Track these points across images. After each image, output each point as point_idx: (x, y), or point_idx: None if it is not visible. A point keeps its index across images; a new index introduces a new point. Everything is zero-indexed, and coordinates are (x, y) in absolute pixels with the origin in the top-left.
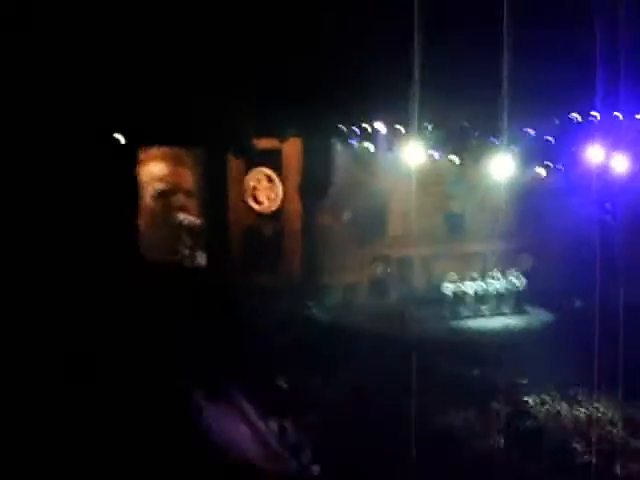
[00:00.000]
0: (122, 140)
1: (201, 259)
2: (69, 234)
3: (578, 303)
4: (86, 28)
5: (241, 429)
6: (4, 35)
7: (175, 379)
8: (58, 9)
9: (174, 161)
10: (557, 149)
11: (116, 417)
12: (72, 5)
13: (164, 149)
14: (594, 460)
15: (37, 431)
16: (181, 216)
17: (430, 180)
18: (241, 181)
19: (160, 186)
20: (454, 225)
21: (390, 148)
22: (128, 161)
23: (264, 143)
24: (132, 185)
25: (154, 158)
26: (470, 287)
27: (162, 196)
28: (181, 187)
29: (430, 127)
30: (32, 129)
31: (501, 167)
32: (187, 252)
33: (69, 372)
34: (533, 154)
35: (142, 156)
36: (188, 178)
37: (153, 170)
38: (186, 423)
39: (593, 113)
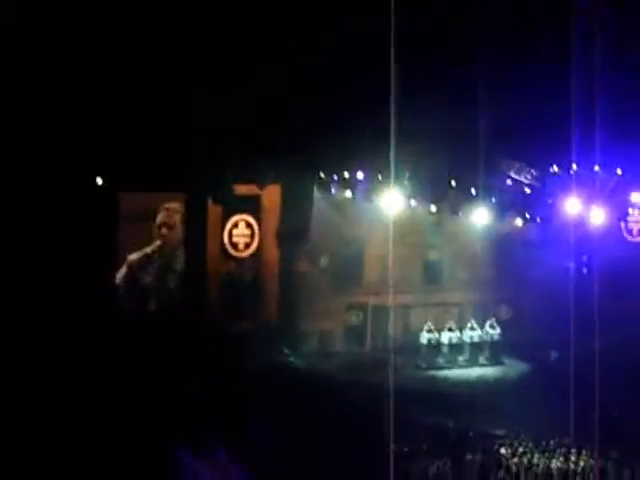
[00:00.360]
0: (102, 184)
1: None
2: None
3: (554, 354)
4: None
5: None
6: None
7: (154, 433)
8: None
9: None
10: (535, 201)
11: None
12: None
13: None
14: None
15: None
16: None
17: (408, 229)
18: (220, 227)
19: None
20: (431, 274)
21: (368, 197)
22: (108, 206)
23: (243, 189)
24: (111, 230)
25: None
26: (447, 337)
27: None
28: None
29: (409, 177)
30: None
31: (479, 217)
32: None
33: (57, 436)
34: (511, 205)
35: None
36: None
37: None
38: (165, 474)
39: (572, 166)
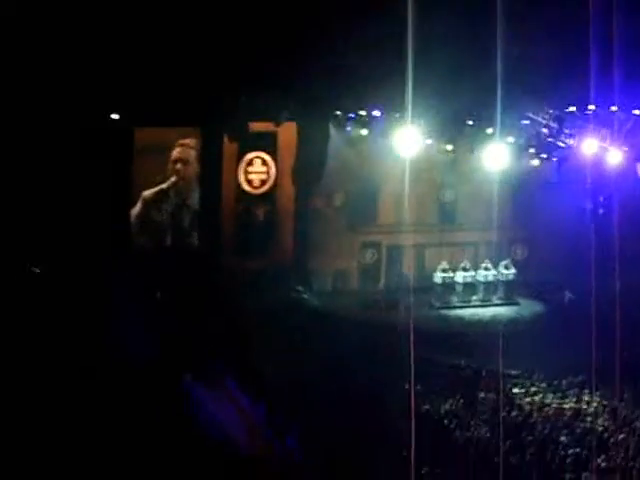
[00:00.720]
0: (118, 119)
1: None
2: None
3: (568, 295)
4: (82, 13)
5: (229, 411)
6: None
7: (164, 362)
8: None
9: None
10: (552, 140)
11: (105, 401)
12: None
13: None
14: (578, 452)
15: (23, 421)
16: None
17: (423, 168)
18: (235, 163)
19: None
20: (446, 213)
21: (385, 135)
22: (123, 139)
23: (259, 126)
24: (127, 166)
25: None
26: (461, 276)
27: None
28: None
29: (425, 114)
30: (27, 114)
31: (495, 157)
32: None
33: (59, 358)
34: (528, 145)
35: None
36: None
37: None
38: (174, 405)
39: (589, 106)
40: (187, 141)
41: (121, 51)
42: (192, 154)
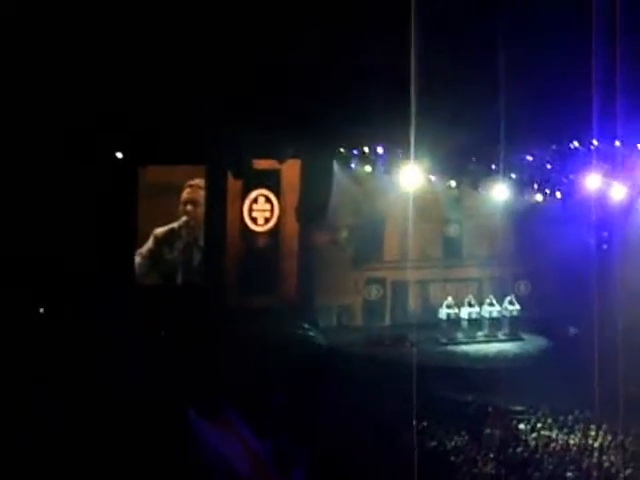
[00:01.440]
0: (122, 158)
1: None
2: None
3: (573, 330)
4: (86, 40)
5: (234, 447)
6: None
7: (170, 397)
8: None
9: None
10: (555, 176)
11: (112, 433)
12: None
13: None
14: None
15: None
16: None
17: (427, 204)
18: (240, 201)
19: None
20: (451, 249)
21: (388, 172)
22: (128, 180)
23: (263, 164)
24: (132, 204)
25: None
26: (466, 312)
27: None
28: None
29: (429, 151)
30: (33, 144)
31: (499, 192)
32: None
33: (65, 391)
34: (531, 180)
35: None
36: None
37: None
38: (179, 441)
39: (592, 141)
40: (196, 182)
41: (126, 89)
42: (202, 194)
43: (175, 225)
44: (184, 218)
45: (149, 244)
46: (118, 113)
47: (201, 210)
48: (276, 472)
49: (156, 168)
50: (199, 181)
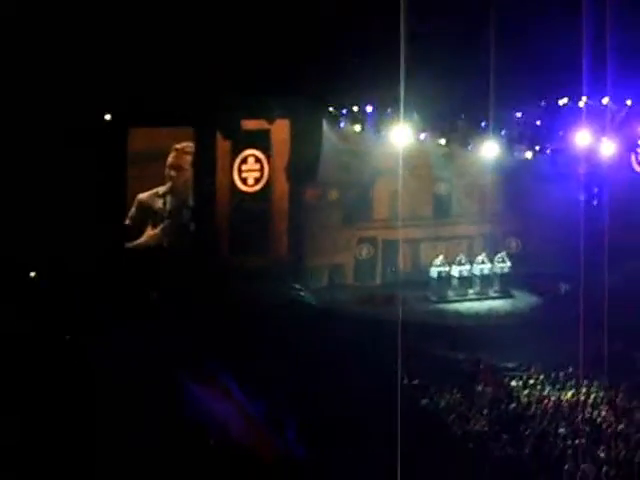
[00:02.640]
0: (111, 120)
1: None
2: (56, 217)
3: (564, 287)
4: (82, 14)
5: (227, 410)
6: None
7: (163, 361)
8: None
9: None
10: (545, 133)
11: (103, 398)
12: None
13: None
14: (577, 443)
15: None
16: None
17: (417, 162)
18: (229, 162)
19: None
20: (441, 208)
21: (378, 130)
22: (119, 140)
23: (252, 124)
24: (120, 166)
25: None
26: (457, 270)
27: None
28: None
29: (418, 109)
30: (23, 111)
31: (489, 150)
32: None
33: (58, 358)
34: (520, 137)
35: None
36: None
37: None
38: (171, 403)
39: (582, 97)
40: (182, 146)
41: (115, 52)
42: (187, 159)
43: (160, 189)
44: (169, 184)
45: (132, 210)
46: (107, 75)
47: (186, 175)
48: (269, 433)
49: (144, 131)
50: (185, 145)
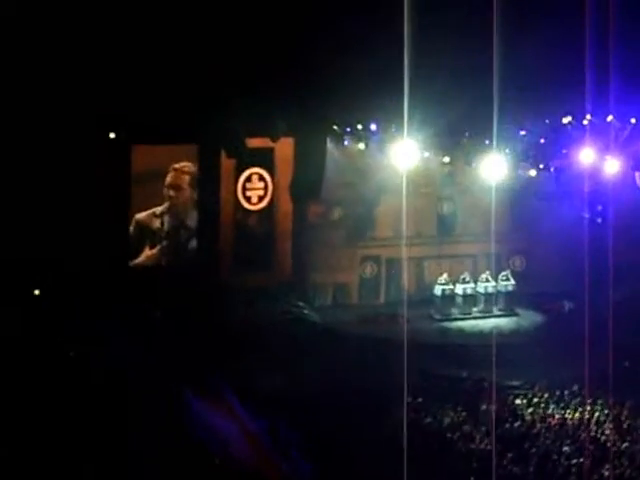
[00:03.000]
0: (116, 138)
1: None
2: (59, 233)
3: (568, 305)
4: (86, 26)
5: (230, 427)
6: None
7: (165, 377)
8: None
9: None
10: (549, 151)
11: (106, 415)
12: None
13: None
14: (582, 462)
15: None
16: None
17: (421, 181)
18: (233, 180)
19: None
20: (445, 226)
21: (382, 148)
22: (122, 158)
23: (256, 142)
24: (125, 184)
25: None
26: (461, 288)
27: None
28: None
29: (422, 127)
30: (26, 126)
31: (492, 168)
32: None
33: (62, 374)
34: (525, 155)
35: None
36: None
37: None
38: (175, 421)
39: (586, 115)
40: (180, 165)
41: (119, 70)
42: (186, 179)
43: (157, 210)
44: (167, 204)
45: (130, 229)
46: (110, 94)
47: (185, 194)
48: (273, 452)
49: (147, 148)
50: (184, 165)
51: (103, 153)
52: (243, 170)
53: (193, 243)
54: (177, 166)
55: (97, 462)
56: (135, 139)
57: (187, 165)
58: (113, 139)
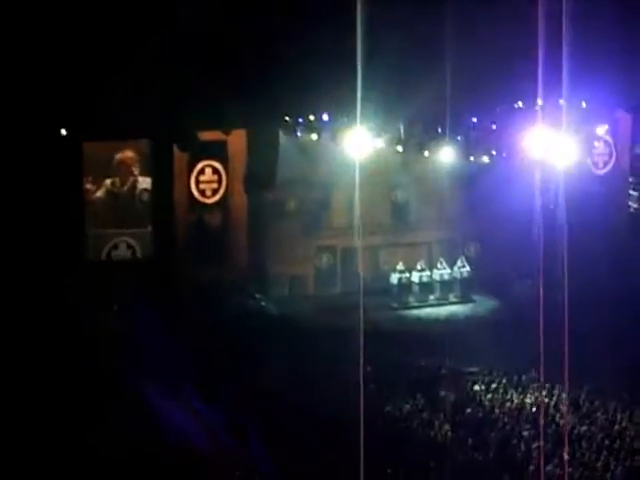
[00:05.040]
0: (66, 134)
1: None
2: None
3: (523, 289)
4: (33, 22)
5: (191, 423)
6: None
7: (123, 372)
8: None
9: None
10: (501, 137)
11: (68, 413)
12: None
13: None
14: (541, 446)
15: None
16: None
17: (375, 170)
18: (187, 174)
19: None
20: (399, 215)
21: (335, 139)
22: (73, 155)
23: (209, 135)
24: (77, 179)
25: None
26: (417, 277)
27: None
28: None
29: (374, 117)
30: None
31: (445, 156)
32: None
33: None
34: (477, 142)
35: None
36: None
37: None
38: (135, 418)
39: (537, 101)
40: (123, 157)
41: (69, 66)
42: (132, 171)
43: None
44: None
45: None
46: (60, 90)
47: (132, 186)
48: (232, 444)
49: (99, 145)
50: (129, 154)
51: (54, 150)
52: (196, 164)
53: (148, 235)
54: (121, 157)
55: (53, 456)
56: (86, 135)
57: (130, 157)
58: (64, 136)
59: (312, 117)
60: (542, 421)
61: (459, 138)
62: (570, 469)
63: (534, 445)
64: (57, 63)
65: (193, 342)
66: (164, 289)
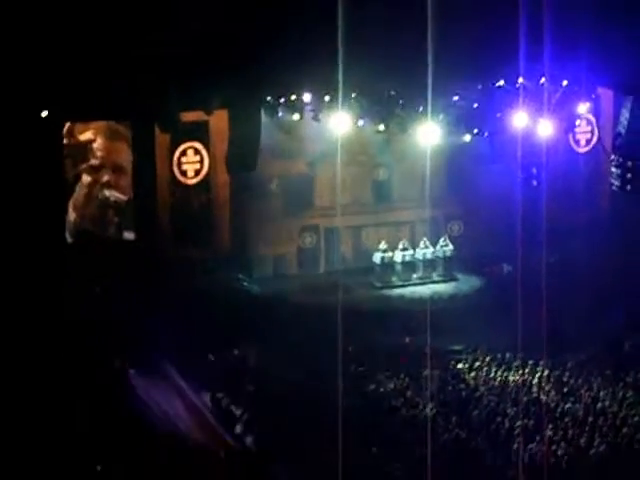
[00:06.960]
0: (46, 115)
1: (128, 234)
2: None
3: (506, 268)
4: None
5: (175, 403)
6: None
7: (107, 353)
8: None
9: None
10: (482, 115)
11: (49, 395)
12: None
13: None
14: (525, 424)
15: None
16: (107, 192)
17: (357, 149)
18: (168, 154)
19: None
20: (382, 193)
21: (316, 118)
22: (53, 136)
23: (190, 116)
24: (58, 162)
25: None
26: (400, 256)
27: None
28: (110, 162)
29: (356, 96)
30: None
31: (427, 134)
32: (113, 228)
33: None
34: (459, 121)
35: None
36: (120, 153)
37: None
38: (119, 399)
39: (518, 79)
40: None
41: (46, 47)
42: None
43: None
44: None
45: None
46: (40, 71)
47: (110, 172)
48: (219, 427)
49: (79, 126)
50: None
51: (35, 131)
52: (178, 144)
53: (131, 217)
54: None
55: (37, 438)
56: (67, 116)
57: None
58: (45, 117)
59: (294, 97)
60: (525, 399)
61: (441, 117)
62: (554, 446)
63: (518, 422)
64: (36, 43)
65: (175, 322)
66: (146, 270)
